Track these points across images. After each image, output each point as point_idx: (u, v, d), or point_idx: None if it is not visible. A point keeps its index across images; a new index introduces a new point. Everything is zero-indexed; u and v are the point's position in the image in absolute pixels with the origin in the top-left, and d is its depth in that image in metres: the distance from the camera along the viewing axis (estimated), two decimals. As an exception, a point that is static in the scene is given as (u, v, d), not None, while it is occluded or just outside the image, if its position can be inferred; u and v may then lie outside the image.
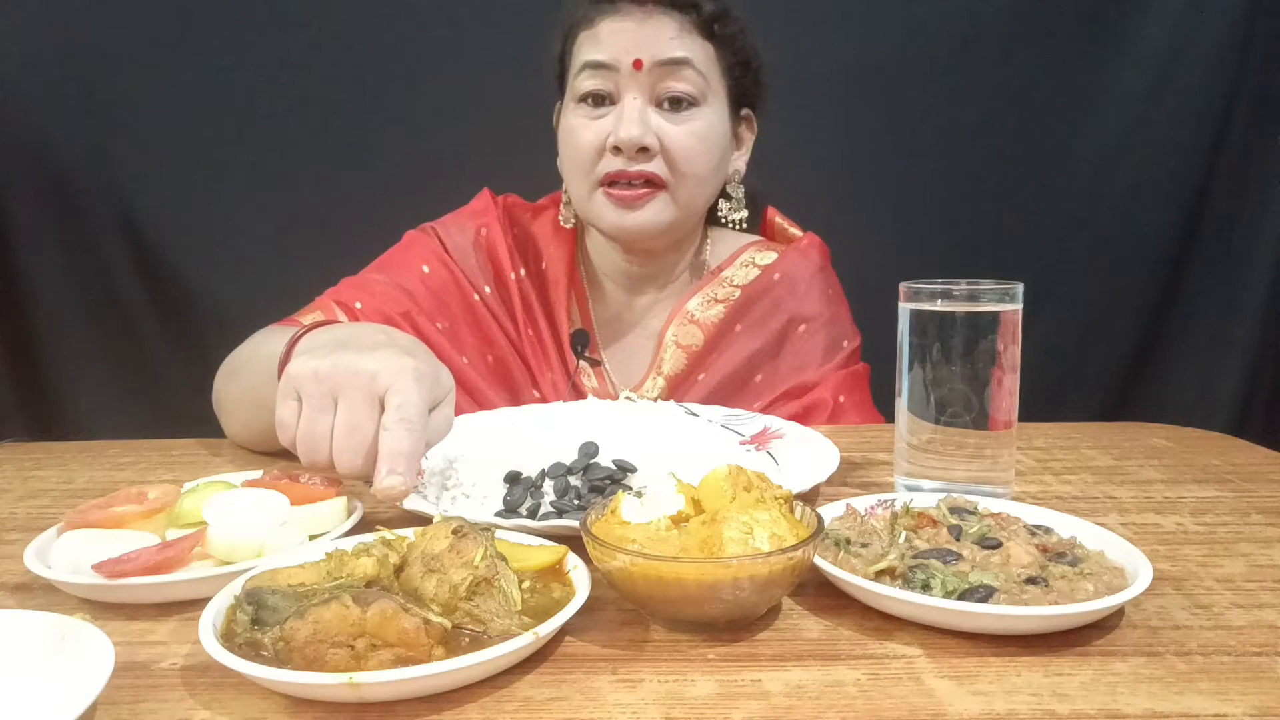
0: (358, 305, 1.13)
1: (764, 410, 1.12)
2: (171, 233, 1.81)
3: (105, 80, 1.76)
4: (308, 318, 1.11)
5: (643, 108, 1.08)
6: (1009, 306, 0.76)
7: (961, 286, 0.75)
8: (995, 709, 0.48)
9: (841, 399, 1.14)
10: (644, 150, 1.08)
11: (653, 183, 1.10)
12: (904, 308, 0.78)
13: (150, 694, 0.50)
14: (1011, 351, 0.76)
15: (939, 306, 0.76)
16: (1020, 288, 0.76)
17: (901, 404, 0.79)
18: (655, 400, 1.15)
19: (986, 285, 0.76)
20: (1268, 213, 1.80)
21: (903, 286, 0.78)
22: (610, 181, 1.10)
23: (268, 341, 0.97)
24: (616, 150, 1.08)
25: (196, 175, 1.80)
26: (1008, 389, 0.76)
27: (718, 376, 1.18)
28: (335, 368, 0.68)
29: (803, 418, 1.10)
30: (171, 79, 1.77)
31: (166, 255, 1.81)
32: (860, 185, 1.84)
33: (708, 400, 1.13)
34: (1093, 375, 1.90)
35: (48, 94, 1.75)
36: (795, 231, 1.29)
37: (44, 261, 1.79)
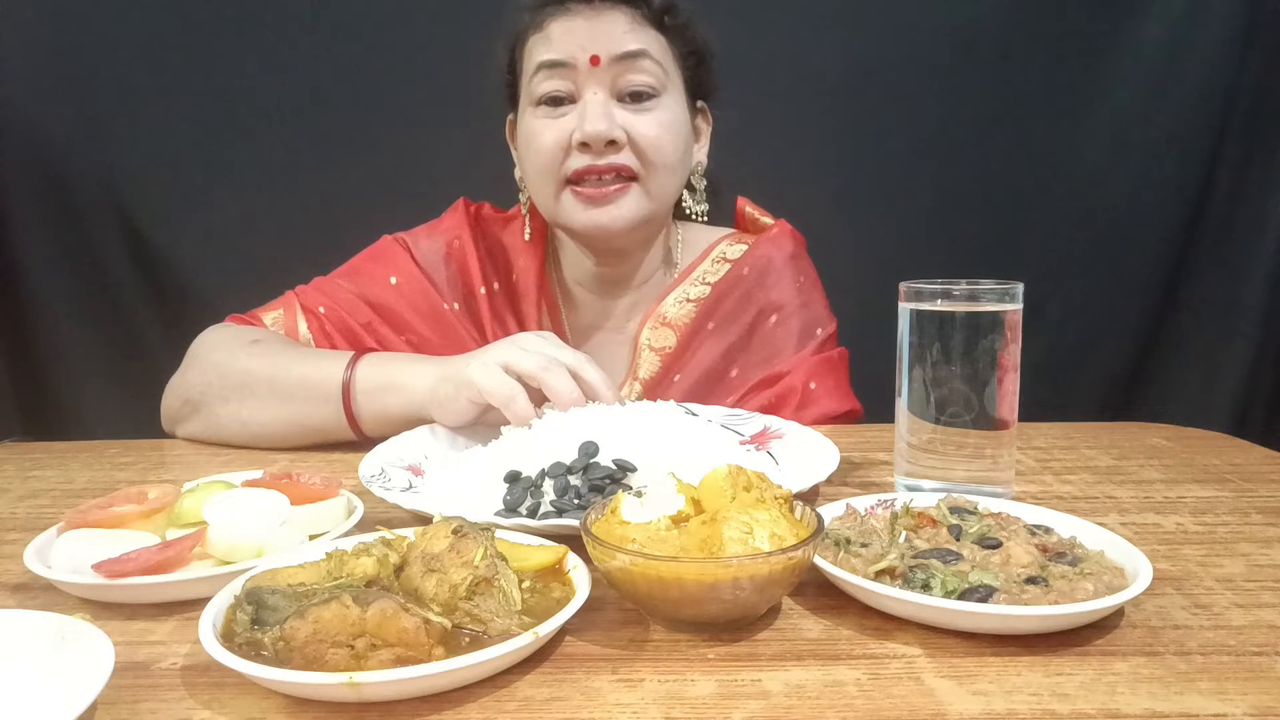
0: (321, 309, 1.15)
1: (737, 403, 1.12)
2: (172, 233, 1.81)
3: (105, 80, 1.76)
4: (269, 315, 1.15)
5: (605, 101, 1.07)
6: (1009, 306, 0.76)
7: (961, 286, 0.75)
8: (995, 709, 0.48)
9: (813, 385, 1.13)
10: (612, 144, 1.07)
11: (623, 175, 1.09)
12: (904, 308, 0.78)
13: (150, 694, 0.50)
14: (1011, 351, 0.76)
15: (939, 306, 0.76)
16: (1020, 288, 0.76)
17: (901, 404, 0.79)
18: None
19: (986, 285, 0.76)
20: (1268, 213, 1.80)
21: (903, 286, 0.78)
22: (578, 179, 1.09)
23: (284, 363, 1.02)
24: (584, 146, 1.07)
25: (197, 175, 1.80)
26: (1008, 389, 0.76)
27: (693, 376, 1.17)
28: (526, 350, 0.88)
29: (774, 407, 1.10)
30: (171, 79, 1.77)
31: (166, 255, 1.82)
32: (860, 185, 1.84)
33: (685, 399, 1.12)
34: (1093, 375, 1.90)
35: (47, 94, 1.75)
36: (767, 220, 1.28)
37: (44, 261, 1.79)
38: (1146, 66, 1.79)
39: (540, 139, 1.09)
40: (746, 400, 1.13)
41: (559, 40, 1.07)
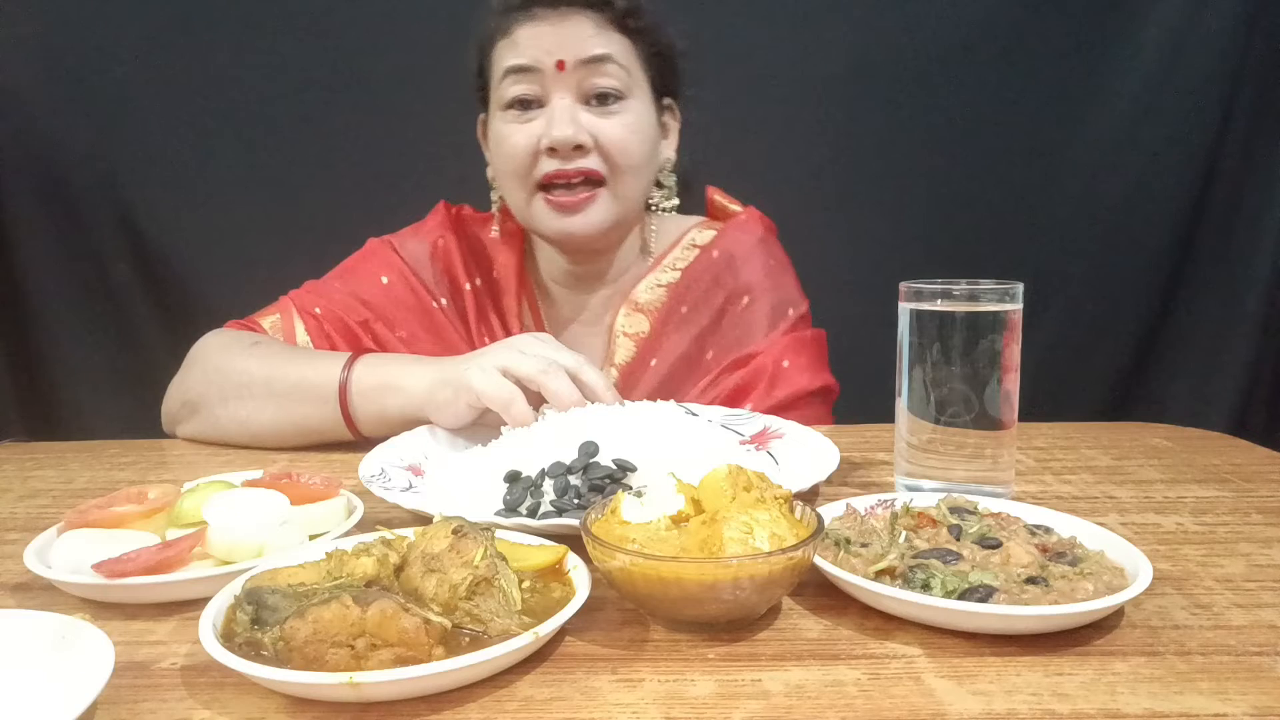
0: (317, 310, 1.16)
1: (709, 384, 1.14)
2: (171, 233, 1.81)
3: (105, 80, 1.76)
4: (266, 320, 1.15)
5: (572, 106, 1.09)
6: (1009, 306, 0.76)
7: (961, 286, 0.75)
8: (995, 709, 0.48)
9: (785, 364, 1.14)
10: (579, 148, 1.09)
11: (592, 180, 1.11)
12: (904, 308, 0.78)
13: (150, 694, 0.50)
14: (1011, 351, 0.76)
15: (939, 306, 0.76)
16: (1020, 288, 0.76)
17: (901, 404, 0.79)
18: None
19: (986, 285, 0.76)
20: (1268, 213, 1.80)
21: (903, 286, 0.78)
22: (548, 184, 1.11)
23: (282, 364, 1.02)
24: (551, 151, 1.09)
25: (196, 175, 1.80)
26: (1008, 389, 0.76)
27: (669, 360, 1.19)
28: (524, 353, 0.89)
29: (746, 387, 1.11)
30: (171, 79, 1.77)
31: (166, 255, 1.82)
32: (860, 185, 1.84)
33: (662, 384, 1.15)
34: (1093, 375, 1.90)
35: (48, 94, 1.75)
36: (735, 207, 1.29)
37: (44, 261, 1.79)
38: (1146, 66, 1.79)
39: (509, 143, 1.12)
40: (718, 381, 1.15)
41: (526, 46, 1.09)
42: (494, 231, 1.25)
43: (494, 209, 1.24)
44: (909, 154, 1.84)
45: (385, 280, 1.20)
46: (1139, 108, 1.81)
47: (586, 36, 1.09)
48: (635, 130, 1.12)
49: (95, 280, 1.81)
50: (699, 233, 1.25)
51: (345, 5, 1.78)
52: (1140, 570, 0.57)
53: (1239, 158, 1.81)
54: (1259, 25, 1.76)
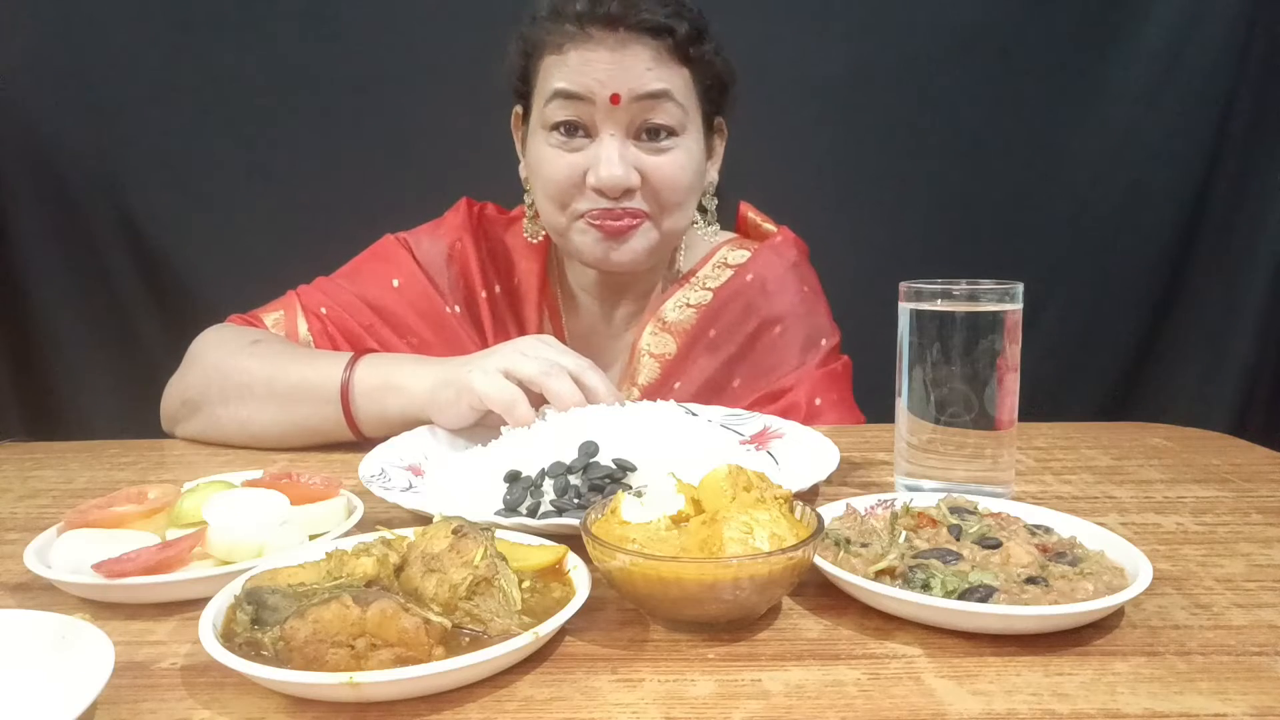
0: (322, 310, 1.15)
1: None
2: (172, 232, 1.81)
3: (105, 80, 1.76)
4: (270, 315, 1.14)
5: (622, 145, 1.05)
6: (1009, 306, 0.76)
7: (961, 286, 0.75)
8: (995, 709, 0.48)
9: (817, 401, 1.12)
10: (626, 191, 1.06)
11: (636, 215, 1.08)
12: (904, 308, 0.78)
13: (150, 694, 0.50)
14: (1011, 351, 0.76)
15: (939, 306, 0.76)
16: (1020, 288, 0.76)
17: (901, 404, 0.79)
18: None
19: (986, 285, 0.76)
20: (1268, 212, 1.80)
21: (903, 286, 0.78)
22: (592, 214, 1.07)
23: (283, 364, 1.01)
24: (597, 190, 1.06)
25: (197, 175, 1.80)
26: (1008, 389, 0.76)
27: (694, 384, 1.16)
28: (527, 355, 0.89)
29: None
30: (171, 79, 1.77)
31: (167, 255, 1.82)
32: (860, 185, 1.84)
33: None
34: (1093, 375, 1.90)
35: (48, 94, 1.75)
36: (769, 227, 1.26)
37: (44, 261, 1.79)
38: (1146, 66, 1.80)
39: (551, 167, 1.07)
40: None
41: (578, 71, 1.03)
42: (536, 236, 1.19)
43: (526, 206, 1.19)
44: (909, 154, 1.84)
45: (396, 283, 1.17)
46: (1139, 108, 1.81)
47: (644, 69, 1.02)
48: (685, 168, 1.08)
49: (95, 280, 1.81)
50: (730, 251, 1.21)
51: (346, 5, 1.78)
52: (1140, 570, 0.57)
53: (1239, 158, 1.81)
54: (1259, 25, 1.76)
